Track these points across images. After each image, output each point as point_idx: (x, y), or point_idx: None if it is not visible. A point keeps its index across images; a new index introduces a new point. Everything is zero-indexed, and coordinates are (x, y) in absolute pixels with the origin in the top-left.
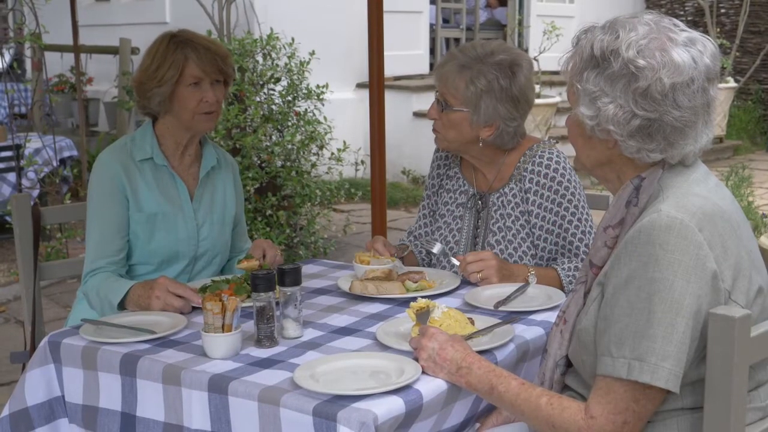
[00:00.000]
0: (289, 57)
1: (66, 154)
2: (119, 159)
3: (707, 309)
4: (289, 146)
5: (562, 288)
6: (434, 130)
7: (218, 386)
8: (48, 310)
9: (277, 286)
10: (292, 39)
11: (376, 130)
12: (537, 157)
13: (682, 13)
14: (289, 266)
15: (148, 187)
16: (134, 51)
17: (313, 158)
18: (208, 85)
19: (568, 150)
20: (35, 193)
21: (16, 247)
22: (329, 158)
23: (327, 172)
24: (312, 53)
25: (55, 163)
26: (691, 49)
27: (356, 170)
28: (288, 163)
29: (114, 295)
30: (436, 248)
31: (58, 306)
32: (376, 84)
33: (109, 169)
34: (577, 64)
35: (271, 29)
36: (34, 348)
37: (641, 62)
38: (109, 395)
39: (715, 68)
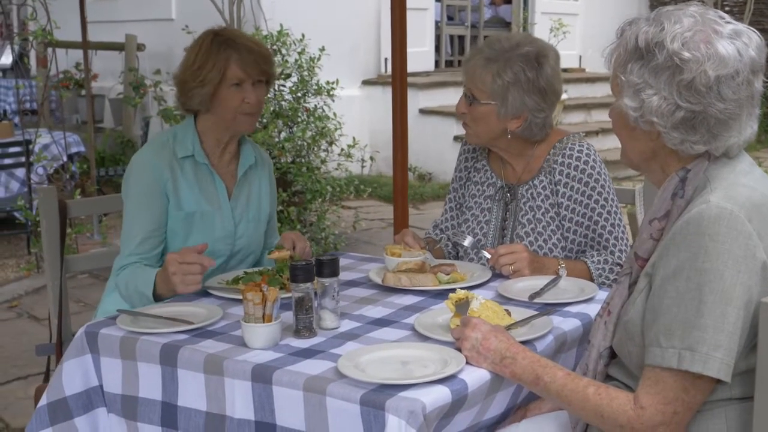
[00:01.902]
0: (299, 53)
1: (74, 150)
2: (164, 157)
3: (757, 299)
4: (300, 142)
5: (591, 281)
6: (464, 125)
7: (262, 376)
8: None
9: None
10: (302, 35)
11: (398, 126)
12: (567, 149)
13: None
14: (327, 257)
15: (189, 185)
16: (140, 47)
17: (323, 154)
18: (249, 85)
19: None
20: None
21: (42, 240)
22: (339, 154)
23: (336, 168)
24: (322, 49)
25: (64, 159)
26: (736, 42)
27: (362, 167)
28: (299, 159)
29: (144, 286)
30: (467, 241)
31: (69, 300)
32: (399, 80)
33: (154, 167)
34: (621, 55)
35: (281, 25)
36: (60, 341)
37: (686, 54)
38: (149, 385)
39: (760, 60)
